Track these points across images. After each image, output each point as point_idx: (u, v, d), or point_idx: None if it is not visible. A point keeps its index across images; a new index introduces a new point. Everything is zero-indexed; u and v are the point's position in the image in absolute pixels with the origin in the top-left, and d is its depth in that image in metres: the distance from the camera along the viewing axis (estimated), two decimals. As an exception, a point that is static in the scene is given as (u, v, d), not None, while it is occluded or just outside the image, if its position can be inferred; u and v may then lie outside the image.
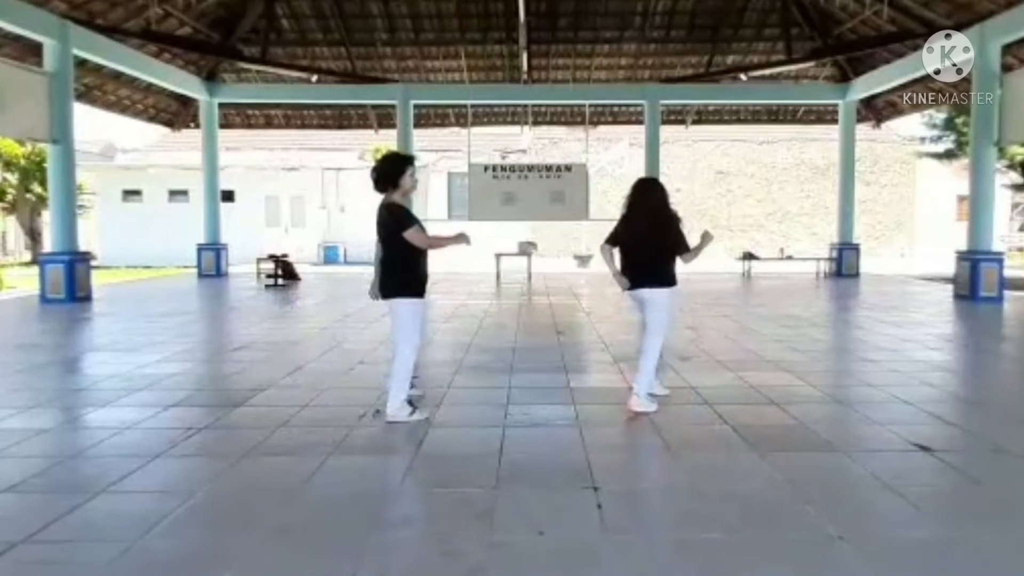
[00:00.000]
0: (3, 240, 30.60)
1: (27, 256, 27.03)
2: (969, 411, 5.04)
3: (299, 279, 15.86)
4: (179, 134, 20.30)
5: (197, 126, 17.66)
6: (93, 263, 13.94)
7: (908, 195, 28.50)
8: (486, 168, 17.56)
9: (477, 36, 16.64)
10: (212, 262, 16.89)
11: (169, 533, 2.95)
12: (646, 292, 4.84)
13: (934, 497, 3.35)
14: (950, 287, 12.71)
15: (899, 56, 14.33)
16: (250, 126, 20.18)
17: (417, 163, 4.88)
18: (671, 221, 4.89)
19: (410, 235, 4.46)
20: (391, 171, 4.58)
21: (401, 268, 4.54)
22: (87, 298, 11.81)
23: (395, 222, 4.48)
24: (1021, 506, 3.28)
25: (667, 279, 4.84)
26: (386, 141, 24.87)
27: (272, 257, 15.35)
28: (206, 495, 3.36)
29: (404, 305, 4.56)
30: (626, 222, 4.94)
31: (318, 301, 12.25)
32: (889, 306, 11.03)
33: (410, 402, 4.64)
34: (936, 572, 2.66)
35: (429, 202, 25.48)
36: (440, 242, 4.63)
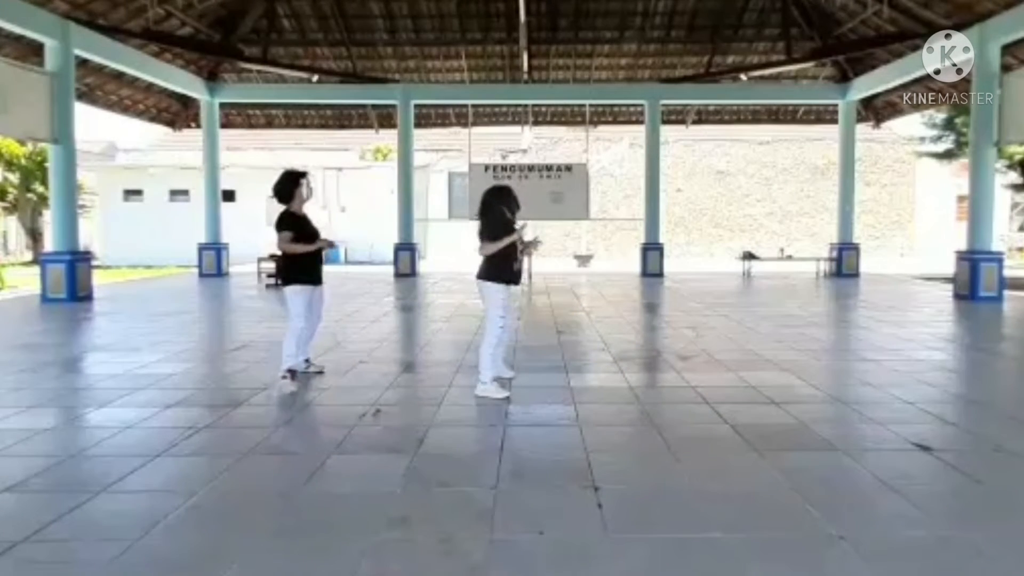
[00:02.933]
0: (4, 240, 30.63)
1: (28, 256, 27.06)
2: (969, 411, 5.04)
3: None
4: (180, 134, 20.31)
5: (198, 126, 17.66)
6: (94, 263, 13.96)
7: (908, 195, 28.50)
8: (487, 168, 17.56)
9: (478, 36, 16.64)
10: (213, 261, 16.90)
11: (170, 533, 2.96)
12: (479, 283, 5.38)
13: (934, 497, 3.36)
14: (950, 287, 12.71)
15: (899, 56, 14.33)
16: (251, 126, 20.19)
17: (310, 175, 5.96)
18: (489, 216, 5.29)
19: (278, 238, 5.49)
20: (286, 187, 5.62)
21: (287, 261, 5.63)
22: (88, 297, 11.82)
23: (276, 226, 5.51)
24: (1021, 506, 3.28)
25: (484, 274, 5.30)
26: (387, 141, 24.94)
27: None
28: (207, 495, 3.36)
29: (291, 290, 5.60)
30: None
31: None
32: (889, 306, 11.03)
33: (292, 373, 5.49)
34: (936, 572, 2.66)
35: (430, 202, 25.49)
36: (294, 248, 5.50)
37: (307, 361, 5.87)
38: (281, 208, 5.60)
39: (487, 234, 5.20)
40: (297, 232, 5.49)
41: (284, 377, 5.42)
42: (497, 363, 5.41)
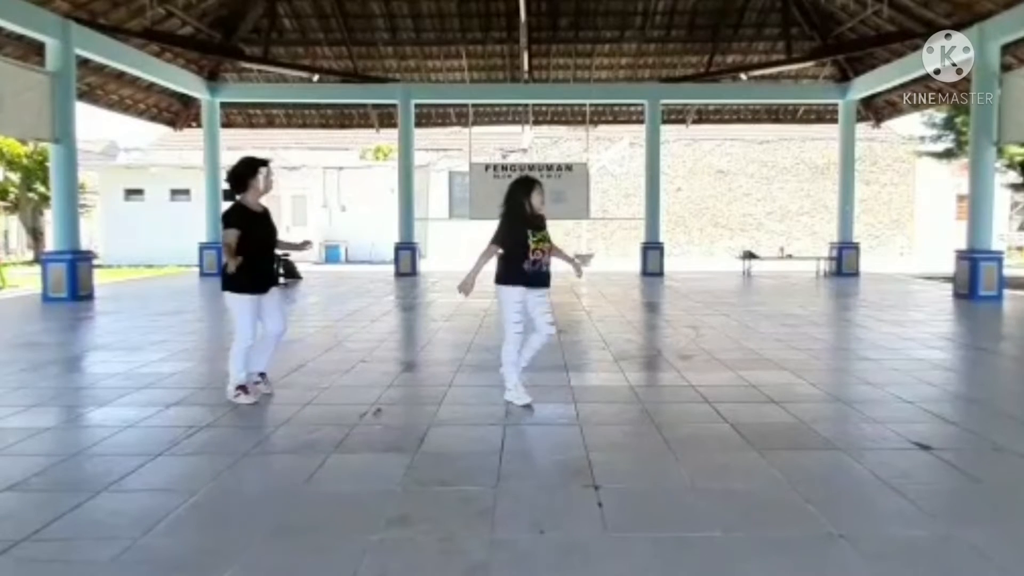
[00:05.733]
0: (5, 239, 30.64)
1: (29, 255, 27.06)
2: (969, 410, 5.05)
3: (300, 278, 15.87)
4: (181, 133, 20.32)
5: (199, 125, 17.67)
6: (95, 262, 13.96)
7: (907, 194, 28.50)
8: (487, 167, 17.59)
9: (478, 35, 16.65)
10: (214, 261, 16.85)
11: (170, 532, 2.96)
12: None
13: (934, 495, 3.36)
14: (949, 286, 12.72)
15: (899, 56, 14.34)
16: (252, 125, 20.20)
17: (272, 165, 5.09)
18: (502, 216, 4.97)
19: (223, 233, 4.78)
20: (242, 173, 4.87)
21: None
22: (89, 297, 11.84)
23: (222, 220, 4.81)
24: (1021, 505, 3.29)
25: (497, 276, 4.96)
26: (387, 140, 24.93)
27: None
28: (207, 494, 3.37)
29: (229, 299, 4.95)
30: None
31: (319, 300, 12.26)
32: (888, 305, 11.03)
33: (242, 387, 4.97)
34: (936, 571, 2.67)
35: (431, 201, 25.49)
36: (227, 250, 4.73)
37: (262, 375, 5.23)
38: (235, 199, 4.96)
39: (496, 238, 4.93)
40: (245, 230, 4.77)
41: (237, 395, 4.96)
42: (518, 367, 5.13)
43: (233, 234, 4.71)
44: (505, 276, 4.89)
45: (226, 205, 5.12)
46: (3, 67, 10.53)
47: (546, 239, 4.93)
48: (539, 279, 4.92)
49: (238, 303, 4.93)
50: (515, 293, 4.88)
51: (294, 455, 3.96)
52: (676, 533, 2.93)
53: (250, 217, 4.87)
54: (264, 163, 4.96)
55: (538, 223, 4.93)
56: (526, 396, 4.92)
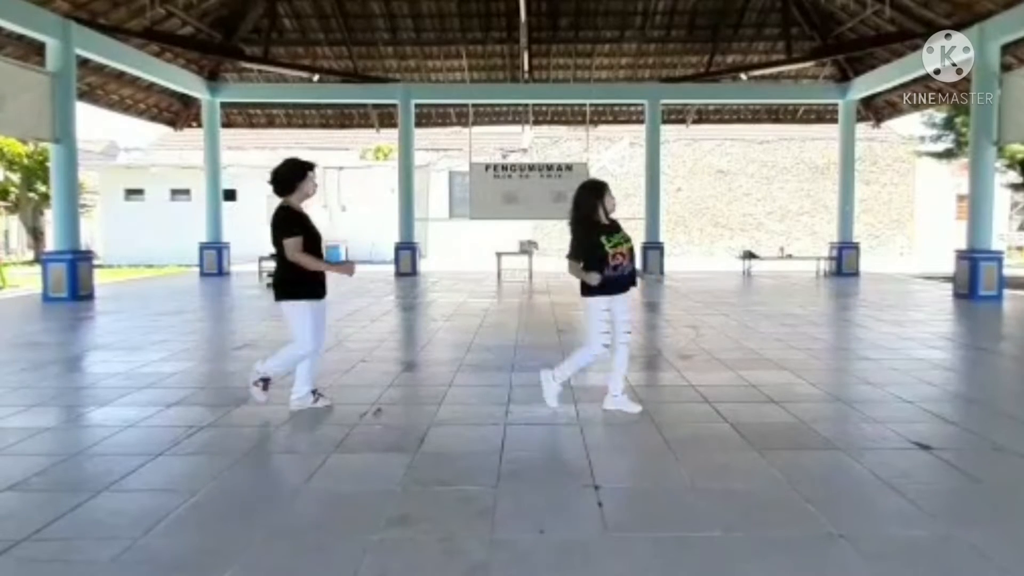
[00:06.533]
0: (6, 239, 30.64)
1: (30, 255, 27.07)
2: (969, 410, 5.05)
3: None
4: (181, 133, 20.33)
5: (199, 125, 17.68)
6: (95, 262, 13.97)
7: (907, 194, 28.49)
8: (487, 167, 17.59)
9: (478, 35, 16.66)
10: (214, 261, 16.91)
11: (170, 531, 2.97)
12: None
13: (934, 495, 3.36)
14: (949, 286, 12.72)
15: (899, 56, 14.34)
16: (252, 125, 20.21)
17: (317, 168, 4.85)
18: (573, 226, 4.71)
19: (287, 243, 4.52)
20: (289, 175, 4.62)
21: (289, 270, 4.60)
22: (89, 297, 11.84)
23: (281, 226, 4.55)
24: (1021, 505, 3.29)
25: (582, 288, 4.67)
26: (387, 140, 24.95)
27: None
28: (207, 494, 3.37)
29: (292, 308, 4.65)
30: None
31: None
32: (888, 305, 11.04)
33: (263, 384, 4.78)
34: (936, 571, 2.67)
35: (431, 201, 25.48)
36: (311, 263, 4.58)
37: (315, 392, 4.94)
38: (279, 201, 4.68)
39: (573, 252, 4.63)
40: (304, 235, 4.59)
41: (256, 384, 4.80)
42: (616, 381, 4.81)
43: (298, 242, 4.52)
44: (589, 287, 4.56)
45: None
46: (3, 67, 10.54)
47: (626, 240, 4.64)
48: (623, 283, 4.63)
49: (297, 310, 4.64)
50: (602, 303, 4.60)
51: (294, 455, 3.96)
52: (676, 533, 2.93)
53: (303, 221, 4.65)
54: (311, 167, 4.75)
55: (614, 227, 4.65)
56: (555, 400, 4.84)
